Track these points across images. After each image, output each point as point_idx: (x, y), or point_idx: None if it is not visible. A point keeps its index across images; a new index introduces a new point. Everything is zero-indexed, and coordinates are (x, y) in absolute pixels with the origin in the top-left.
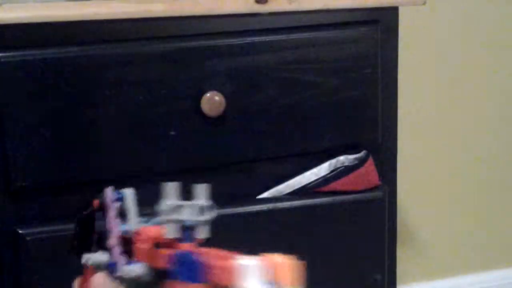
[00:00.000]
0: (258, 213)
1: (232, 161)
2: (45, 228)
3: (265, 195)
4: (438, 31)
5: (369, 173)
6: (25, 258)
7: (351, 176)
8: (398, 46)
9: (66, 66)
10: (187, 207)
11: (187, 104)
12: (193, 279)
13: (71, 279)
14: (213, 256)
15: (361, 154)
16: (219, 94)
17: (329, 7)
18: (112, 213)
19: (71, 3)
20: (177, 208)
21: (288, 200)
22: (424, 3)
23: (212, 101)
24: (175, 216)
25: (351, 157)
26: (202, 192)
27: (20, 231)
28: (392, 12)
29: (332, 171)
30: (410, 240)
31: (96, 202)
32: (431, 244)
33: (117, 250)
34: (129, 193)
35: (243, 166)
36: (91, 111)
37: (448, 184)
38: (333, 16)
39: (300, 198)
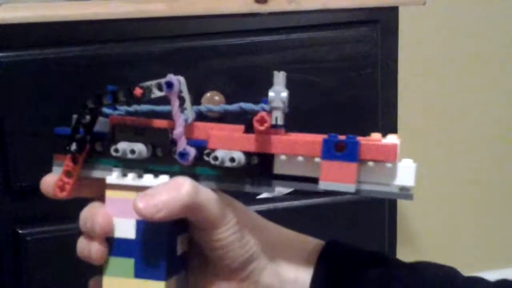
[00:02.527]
0: (258, 212)
1: None
2: (45, 228)
3: (265, 195)
4: (438, 31)
5: None
6: (25, 258)
7: None
8: (398, 46)
9: (66, 66)
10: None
11: None
12: (350, 158)
13: (71, 279)
14: (361, 139)
15: None
16: (219, 94)
17: (329, 7)
18: (177, 102)
19: (71, 3)
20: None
21: (288, 200)
22: (424, 3)
23: (212, 101)
24: (281, 104)
25: None
26: (282, 79)
27: (20, 231)
28: (392, 12)
29: None
30: (410, 240)
31: (138, 91)
32: (431, 244)
33: (183, 140)
34: (183, 80)
35: None
36: None
37: (448, 184)
38: (332, 16)
39: (300, 198)
